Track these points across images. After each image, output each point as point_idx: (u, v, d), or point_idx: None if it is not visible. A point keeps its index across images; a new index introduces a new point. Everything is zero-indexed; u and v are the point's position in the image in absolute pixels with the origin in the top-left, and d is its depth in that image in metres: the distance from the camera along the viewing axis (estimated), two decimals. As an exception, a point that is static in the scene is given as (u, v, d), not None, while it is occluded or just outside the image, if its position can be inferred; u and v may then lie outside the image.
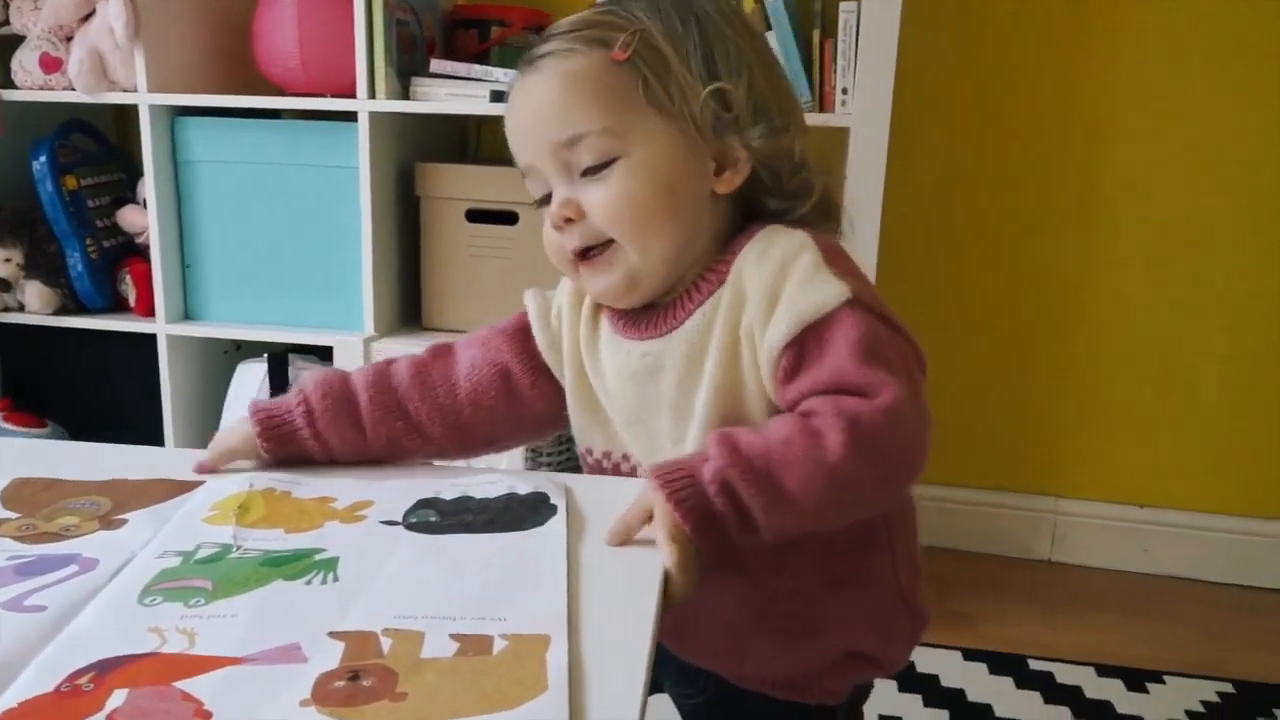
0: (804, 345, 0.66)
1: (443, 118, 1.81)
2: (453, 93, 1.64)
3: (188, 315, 1.85)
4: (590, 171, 0.71)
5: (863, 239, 1.45)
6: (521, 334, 0.83)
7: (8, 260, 1.84)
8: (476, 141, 1.99)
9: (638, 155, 0.70)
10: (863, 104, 1.51)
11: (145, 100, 1.71)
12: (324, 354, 1.82)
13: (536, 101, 0.72)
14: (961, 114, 1.85)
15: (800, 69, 1.54)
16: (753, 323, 0.69)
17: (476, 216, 1.71)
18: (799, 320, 0.66)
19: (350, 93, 1.64)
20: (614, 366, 0.77)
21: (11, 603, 0.55)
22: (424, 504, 0.71)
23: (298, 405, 0.78)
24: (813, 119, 1.48)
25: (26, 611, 0.55)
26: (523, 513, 0.69)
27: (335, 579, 0.59)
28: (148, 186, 1.76)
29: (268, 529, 0.66)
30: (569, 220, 0.72)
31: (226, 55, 1.85)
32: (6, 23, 1.79)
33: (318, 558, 0.62)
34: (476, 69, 1.63)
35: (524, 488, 0.73)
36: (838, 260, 0.70)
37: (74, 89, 1.74)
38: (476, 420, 0.81)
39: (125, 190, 1.91)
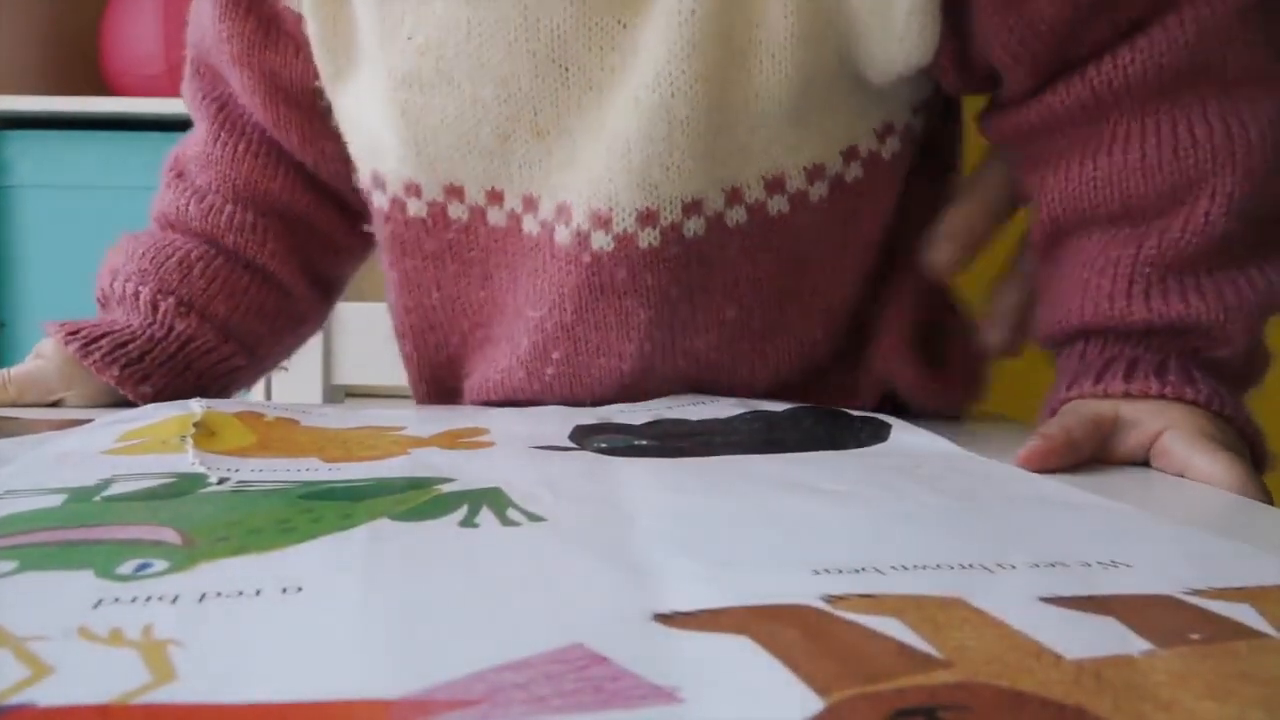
0: None
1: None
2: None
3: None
4: None
5: None
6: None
7: None
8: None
9: None
10: None
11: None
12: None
13: None
14: None
15: None
16: None
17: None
18: None
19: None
20: None
21: None
22: (597, 430, 0.34)
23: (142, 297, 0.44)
24: None
25: None
26: (808, 430, 0.35)
27: (530, 517, 0.22)
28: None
29: (277, 458, 0.29)
30: None
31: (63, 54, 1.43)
32: None
33: (448, 489, 0.25)
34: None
35: (767, 406, 0.38)
36: None
37: None
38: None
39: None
